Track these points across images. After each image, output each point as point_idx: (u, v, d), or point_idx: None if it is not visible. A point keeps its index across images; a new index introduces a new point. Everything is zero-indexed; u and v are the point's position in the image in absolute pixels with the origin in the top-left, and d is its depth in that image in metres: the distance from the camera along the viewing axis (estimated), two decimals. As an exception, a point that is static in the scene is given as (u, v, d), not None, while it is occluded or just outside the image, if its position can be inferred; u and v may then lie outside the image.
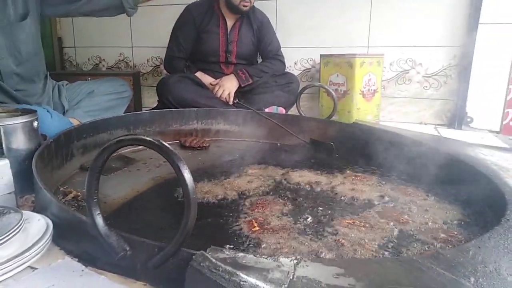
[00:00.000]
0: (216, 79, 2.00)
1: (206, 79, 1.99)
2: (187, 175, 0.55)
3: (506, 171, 1.04)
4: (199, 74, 2.00)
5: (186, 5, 2.06)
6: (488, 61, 1.87)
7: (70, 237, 0.73)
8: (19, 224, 0.68)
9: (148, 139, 0.57)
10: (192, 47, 2.01)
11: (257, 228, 0.82)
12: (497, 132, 1.90)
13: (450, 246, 0.78)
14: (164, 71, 2.57)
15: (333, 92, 1.63)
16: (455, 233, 0.84)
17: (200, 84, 1.97)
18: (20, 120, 0.98)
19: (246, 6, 1.87)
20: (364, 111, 1.95)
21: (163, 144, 0.56)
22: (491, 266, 0.59)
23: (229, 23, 1.98)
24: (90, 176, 0.60)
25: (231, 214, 0.91)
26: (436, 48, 2.02)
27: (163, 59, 2.10)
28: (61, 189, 1.05)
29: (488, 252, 0.62)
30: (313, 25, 2.18)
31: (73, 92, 1.74)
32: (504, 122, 1.91)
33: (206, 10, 1.97)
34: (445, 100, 2.06)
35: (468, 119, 1.95)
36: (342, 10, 2.11)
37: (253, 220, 0.86)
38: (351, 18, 2.11)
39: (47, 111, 1.42)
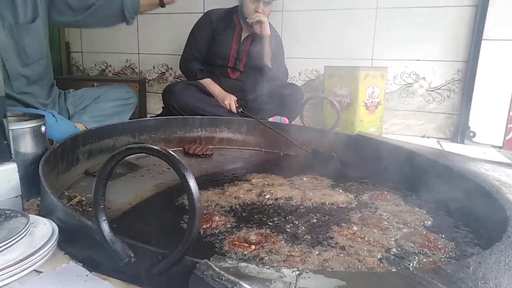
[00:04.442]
0: (221, 82, 2.03)
1: (214, 87, 2.02)
2: (193, 184, 0.56)
3: (508, 186, 1.05)
4: (208, 81, 2.03)
5: (192, 13, 2.10)
6: (492, 77, 1.88)
7: (75, 242, 0.74)
8: (25, 228, 0.69)
9: (156, 148, 0.58)
10: (207, 48, 2.05)
11: (251, 245, 0.81)
12: (500, 147, 1.91)
13: (432, 258, 0.79)
14: (170, 78, 2.60)
15: (336, 104, 1.65)
16: (439, 245, 0.84)
17: (206, 91, 2.00)
18: (29, 124, 1.00)
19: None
20: (367, 123, 1.96)
21: (170, 153, 0.57)
22: (491, 283, 0.59)
23: (244, 34, 2.03)
24: (97, 183, 0.61)
25: (232, 224, 0.92)
26: (440, 63, 2.04)
27: (180, 60, 2.12)
28: (66, 193, 1.06)
29: (489, 268, 0.62)
30: (318, 37, 2.21)
31: (79, 98, 1.76)
32: (507, 137, 1.91)
33: (225, 17, 2.04)
34: (448, 114, 2.07)
35: (471, 134, 1.96)
36: (347, 23, 2.14)
37: (241, 239, 0.84)
38: (356, 31, 2.13)
39: (53, 115, 1.44)
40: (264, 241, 0.81)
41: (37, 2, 1.47)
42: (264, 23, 1.90)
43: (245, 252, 0.78)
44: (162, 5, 1.66)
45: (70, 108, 1.71)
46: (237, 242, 0.81)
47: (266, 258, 0.75)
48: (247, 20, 1.92)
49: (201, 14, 2.10)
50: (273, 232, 0.87)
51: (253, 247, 0.79)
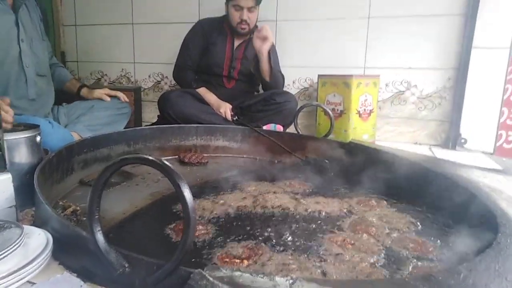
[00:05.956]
0: (217, 91, 2.04)
1: (209, 96, 2.03)
2: (188, 194, 0.57)
3: (498, 192, 1.06)
4: (203, 90, 2.04)
5: (187, 23, 2.13)
6: (482, 84, 1.91)
7: (69, 252, 0.74)
8: (19, 239, 0.69)
9: (151, 158, 0.59)
10: (200, 58, 2.07)
11: (243, 260, 0.78)
12: (491, 154, 1.93)
13: (423, 262, 0.80)
14: (165, 87, 2.61)
15: (330, 111, 1.67)
16: (430, 249, 0.85)
17: (201, 99, 2.01)
18: (23, 134, 1.00)
19: (243, 29, 1.95)
20: (360, 130, 1.99)
21: (165, 164, 0.58)
22: (481, 289, 0.60)
23: (236, 42, 2.05)
24: (92, 193, 0.62)
25: (224, 233, 0.92)
26: (431, 70, 2.07)
27: (173, 69, 2.14)
28: (60, 203, 1.06)
29: (479, 276, 0.63)
30: (311, 45, 2.24)
31: (72, 108, 1.80)
32: (498, 144, 1.94)
33: (216, 26, 2.06)
34: (440, 121, 2.10)
35: (462, 140, 1.99)
36: (339, 32, 2.17)
37: (230, 255, 0.81)
38: (348, 39, 2.16)
39: (49, 122, 1.45)
40: (254, 254, 0.80)
41: (42, 29, 1.70)
42: (267, 42, 1.89)
43: (240, 265, 0.77)
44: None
45: (62, 118, 1.73)
46: (227, 260, 0.79)
47: (259, 269, 0.75)
48: (254, 33, 1.93)
49: (197, 24, 2.12)
50: (265, 242, 0.87)
51: (245, 262, 0.78)
